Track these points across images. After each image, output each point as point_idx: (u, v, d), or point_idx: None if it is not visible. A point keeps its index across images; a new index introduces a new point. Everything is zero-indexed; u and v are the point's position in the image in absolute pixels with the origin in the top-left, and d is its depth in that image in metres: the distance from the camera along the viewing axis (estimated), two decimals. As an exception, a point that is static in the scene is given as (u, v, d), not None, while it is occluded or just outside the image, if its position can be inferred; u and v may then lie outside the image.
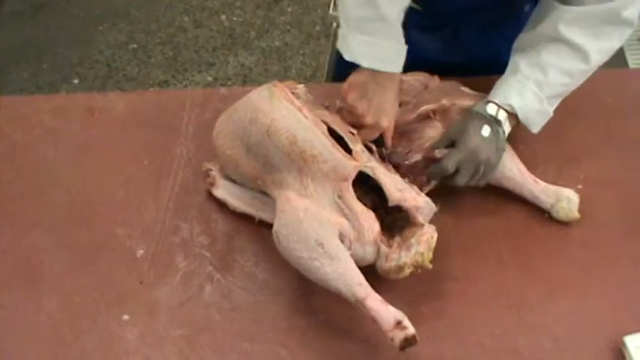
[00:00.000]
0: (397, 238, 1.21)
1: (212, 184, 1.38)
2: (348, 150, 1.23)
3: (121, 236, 1.35)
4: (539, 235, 1.32)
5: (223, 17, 3.53)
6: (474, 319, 1.20)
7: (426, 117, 1.37)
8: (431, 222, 1.24)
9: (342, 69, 1.33)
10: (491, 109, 1.30)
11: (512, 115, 1.31)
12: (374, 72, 1.26)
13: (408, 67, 1.32)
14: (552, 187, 1.32)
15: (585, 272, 1.26)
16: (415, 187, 1.25)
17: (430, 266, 1.18)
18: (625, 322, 1.16)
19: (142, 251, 1.33)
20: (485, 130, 1.27)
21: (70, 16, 3.61)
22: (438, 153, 1.28)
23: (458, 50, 1.56)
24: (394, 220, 1.24)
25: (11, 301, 1.27)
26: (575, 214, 1.30)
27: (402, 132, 1.36)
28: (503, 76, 1.35)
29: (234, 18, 3.53)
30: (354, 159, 1.22)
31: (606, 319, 1.19)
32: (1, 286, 1.29)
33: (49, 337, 1.22)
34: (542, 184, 1.32)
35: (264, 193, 1.32)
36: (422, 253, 1.17)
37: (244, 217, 1.36)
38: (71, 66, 3.41)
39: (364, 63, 1.25)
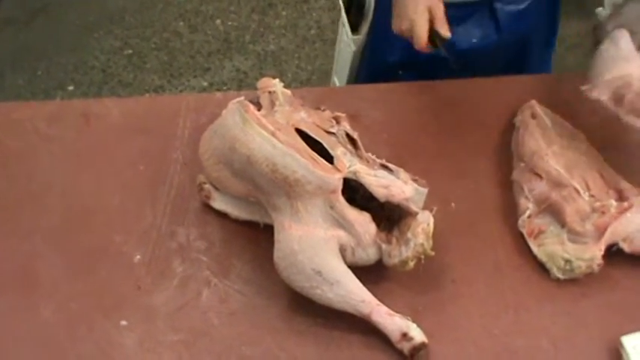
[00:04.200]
0: (396, 232, 1.22)
1: (208, 197, 1.38)
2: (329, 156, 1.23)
3: (118, 242, 1.35)
4: (536, 235, 1.32)
5: (218, 22, 3.54)
6: (471, 320, 1.21)
7: None
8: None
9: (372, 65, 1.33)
10: None
11: None
12: None
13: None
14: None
15: (582, 272, 1.27)
16: (401, 175, 1.23)
17: (432, 253, 1.19)
18: (622, 323, 1.16)
19: (139, 256, 1.33)
20: None
21: (65, 23, 3.62)
22: None
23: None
24: (391, 210, 1.24)
25: (7, 307, 1.27)
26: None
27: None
28: None
29: (229, 22, 3.54)
30: (337, 169, 1.20)
31: (603, 319, 1.19)
32: (-3, 293, 1.29)
33: (46, 344, 1.21)
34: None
35: None
36: (422, 244, 1.17)
37: (242, 223, 1.36)
38: (66, 72, 3.42)
39: None
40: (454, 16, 1.44)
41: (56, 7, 3.72)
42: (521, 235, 1.29)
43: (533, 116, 1.43)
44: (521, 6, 1.64)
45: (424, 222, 1.19)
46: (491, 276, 1.26)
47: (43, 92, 3.34)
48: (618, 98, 1.29)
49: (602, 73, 1.35)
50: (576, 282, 1.23)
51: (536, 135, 1.38)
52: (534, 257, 1.26)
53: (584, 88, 1.36)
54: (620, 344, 1.12)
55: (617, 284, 1.23)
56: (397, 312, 1.19)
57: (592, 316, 1.19)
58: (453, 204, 1.36)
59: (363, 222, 1.20)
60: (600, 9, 3.33)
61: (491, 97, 1.58)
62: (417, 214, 1.21)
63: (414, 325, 1.15)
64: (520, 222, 1.30)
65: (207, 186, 1.38)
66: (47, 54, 3.51)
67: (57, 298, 1.27)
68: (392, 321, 1.15)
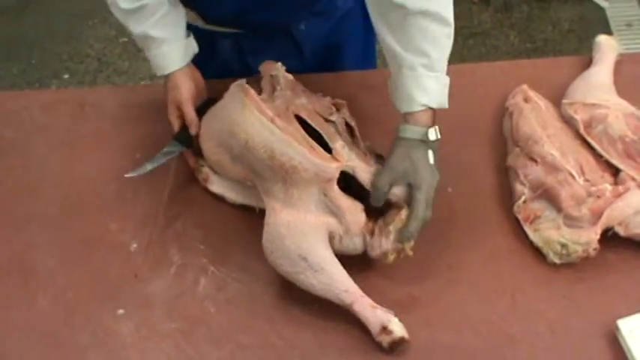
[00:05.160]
0: (380, 222, 1.22)
1: (206, 180, 1.38)
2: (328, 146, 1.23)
3: (115, 230, 1.35)
4: (532, 220, 1.32)
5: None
6: (468, 305, 1.21)
7: None
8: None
9: None
10: (432, 134, 1.24)
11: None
12: None
13: None
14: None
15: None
16: None
17: (411, 253, 1.19)
18: (618, 306, 1.16)
19: (135, 245, 1.33)
20: (431, 157, 1.24)
21: (59, 11, 3.60)
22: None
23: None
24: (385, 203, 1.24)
25: (5, 297, 1.27)
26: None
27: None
28: (395, 78, 1.28)
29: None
30: (335, 159, 1.21)
31: (599, 302, 1.19)
32: (-6, 283, 1.29)
33: (44, 333, 1.22)
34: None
35: None
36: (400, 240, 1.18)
37: (237, 209, 1.36)
38: (61, 61, 3.41)
39: None
40: (254, 47, 1.45)
41: (48, -5, 3.71)
42: (518, 220, 1.29)
43: (526, 100, 1.43)
44: (320, 26, 1.60)
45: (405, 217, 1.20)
46: (487, 261, 1.26)
47: (38, 81, 3.33)
48: (588, 124, 1.34)
49: (583, 95, 1.40)
50: (572, 266, 1.23)
51: (530, 119, 1.38)
52: (530, 242, 1.26)
53: (564, 102, 1.38)
54: (617, 327, 1.13)
55: (613, 268, 1.23)
56: (395, 297, 1.19)
57: (588, 300, 1.20)
58: (449, 189, 1.36)
59: (354, 211, 1.20)
60: (594, -5, 3.31)
61: (484, 83, 1.58)
62: (402, 209, 1.20)
63: (396, 320, 1.14)
64: (515, 207, 1.30)
65: (205, 169, 1.38)
66: (42, 43, 3.50)
67: (54, 287, 1.27)
68: (373, 313, 1.15)
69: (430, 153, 1.23)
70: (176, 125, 1.41)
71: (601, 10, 3.45)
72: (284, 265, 1.19)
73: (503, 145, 1.43)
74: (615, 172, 1.29)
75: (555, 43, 3.33)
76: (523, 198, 1.29)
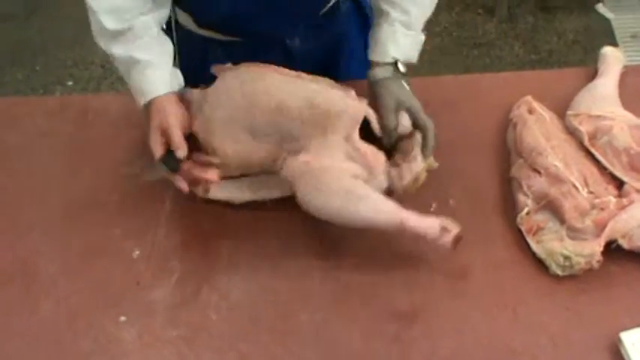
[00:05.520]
0: (398, 155, 1.31)
1: (207, 191, 1.36)
2: None
3: (117, 237, 1.35)
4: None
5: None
6: (470, 316, 1.20)
7: None
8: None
9: None
10: (400, 67, 1.42)
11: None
12: None
13: None
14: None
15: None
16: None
17: (437, 164, 1.32)
18: (621, 318, 1.16)
19: (138, 252, 1.32)
20: (406, 86, 1.41)
21: (64, 18, 3.61)
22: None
23: None
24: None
25: (7, 303, 1.27)
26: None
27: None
28: (374, 31, 1.46)
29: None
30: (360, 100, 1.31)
31: (602, 315, 1.19)
32: (-3, 289, 1.29)
33: (46, 340, 1.21)
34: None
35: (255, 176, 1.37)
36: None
37: (241, 217, 1.36)
38: (65, 68, 3.42)
39: None
40: (247, 56, 1.43)
41: (55, 2, 3.72)
42: (521, 231, 1.29)
43: (530, 111, 1.43)
44: (315, 43, 1.60)
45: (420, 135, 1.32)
46: (490, 272, 1.26)
47: (42, 87, 3.34)
48: (593, 136, 1.35)
49: (588, 106, 1.41)
50: (575, 278, 1.23)
51: (534, 130, 1.38)
52: (533, 253, 1.26)
53: (568, 113, 1.38)
54: (619, 340, 1.12)
55: (617, 280, 1.23)
56: (396, 308, 1.19)
57: (591, 313, 1.19)
58: (451, 201, 1.36)
59: (373, 152, 1.29)
60: (600, 4, 3.35)
61: (488, 93, 1.58)
62: (412, 134, 1.32)
63: (448, 220, 1.21)
64: (518, 219, 1.30)
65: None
66: (46, 49, 3.50)
67: (56, 294, 1.27)
68: (426, 221, 1.21)
69: (405, 83, 1.41)
70: (159, 152, 1.33)
71: (606, 21, 3.46)
72: (329, 202, 1.23)
73: (507, 156, 1.43)
74: (619, 184, 1.29)
75: (560, 55, 3.33)
76: (526, 209, 1.29)
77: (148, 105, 1.36)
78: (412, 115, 1.36)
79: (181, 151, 1.32)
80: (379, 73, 1.41)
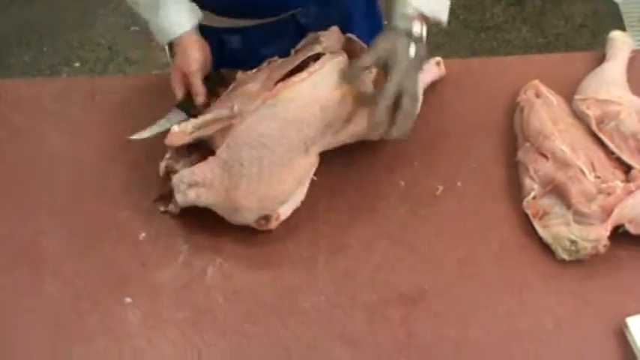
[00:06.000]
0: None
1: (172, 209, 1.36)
2: None
3: (124, 219, 1.35)
4: (542, 216, 1.32)
5: None
6: (476, 300, 1.20)
7: None
8: (433, 208, 1.28)
9: None
10: (417, 27, 1.27)
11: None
12: None
13: None
14: None
15: (587, 253, 1.26)
16: None
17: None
18: (627, 304, 1.16)
19: (144, 234, 1.33)
20: (412, 51, 1.27)
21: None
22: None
23: None
24: None
25: (13, 284, 1.27)
26: None
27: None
28: None
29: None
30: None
31: (608, 300, 1.18)
32: (3, 270, 1.29)
33: (52, 321, 1.22)
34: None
35: None
36: None
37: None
38: (72, 49, 3.41)
39: None
40: (263, 38, 1.45)
41: (61, -17, 3.71)
42: (527, 215, 1.29)
43: (538, 95, 1.42)
44: (329, 17, 1.56)
45: None
46: (496, 256, 1.26)
47: (49, 69, 3.34)
48: (600, 120, 1.33)
49: (596, 91, 1.39)
50: (581, 263, 1.22)
51: (542, 114, 1.37)
52: (540, 238, 1.26)
53: (576, 97, 1.37)
54: (625, 325, 1.12)
55: (623, 265, 1.23)
56: (402, 292, 1.19)
57: (597, 297, 1.19)
58: (459, 183, 1.35)
59: None
60: (606, -11, 3.29)
61: (495, 77, 1.57)
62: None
63: None
64: (525, 203, 1.29)
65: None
66: (53, 31, 3.50)
67: (62, 275, 1.28)
68: None
69: (412, 46, 1.26)
70: (179, 92, 1.41)
71: (614, 5, 3.43)
72: None
73: (514, 140, 1.42)
74: (627, 169, 1.28)
75: (568, 38, 3.32)
76: (533, 194, 1.29)
77: (173, 44, 1.42)
78: (388, 75, 1.25)
79: (200, 97, 1.39)
80: (394, 19, 1.28)
